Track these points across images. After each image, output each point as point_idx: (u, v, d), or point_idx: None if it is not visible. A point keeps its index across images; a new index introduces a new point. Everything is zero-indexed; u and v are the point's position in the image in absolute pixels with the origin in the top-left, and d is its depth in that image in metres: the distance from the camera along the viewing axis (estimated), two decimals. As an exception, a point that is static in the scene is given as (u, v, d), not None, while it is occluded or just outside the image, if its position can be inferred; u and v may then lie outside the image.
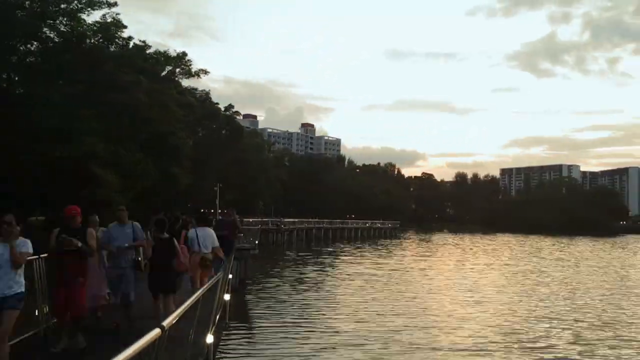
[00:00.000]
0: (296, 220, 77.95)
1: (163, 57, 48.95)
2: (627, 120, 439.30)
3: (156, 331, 4.00)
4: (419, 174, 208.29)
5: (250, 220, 62.21)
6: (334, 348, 15.52)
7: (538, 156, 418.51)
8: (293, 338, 16.65)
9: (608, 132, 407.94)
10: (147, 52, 45.56)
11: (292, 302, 23.58)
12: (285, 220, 73.70)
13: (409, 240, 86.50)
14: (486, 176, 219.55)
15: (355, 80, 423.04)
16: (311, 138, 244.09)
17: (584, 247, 78.74)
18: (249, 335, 17.12)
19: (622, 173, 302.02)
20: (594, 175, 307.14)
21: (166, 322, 4.44)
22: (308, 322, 19.10)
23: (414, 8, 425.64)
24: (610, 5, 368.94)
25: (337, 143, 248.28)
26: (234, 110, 78.50)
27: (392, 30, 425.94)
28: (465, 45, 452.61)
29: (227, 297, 15.29)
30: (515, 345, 16.33)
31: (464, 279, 33.84)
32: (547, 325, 19.41)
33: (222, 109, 74.74)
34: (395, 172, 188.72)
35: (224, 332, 15.50)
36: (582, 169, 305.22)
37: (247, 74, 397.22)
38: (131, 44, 42.00)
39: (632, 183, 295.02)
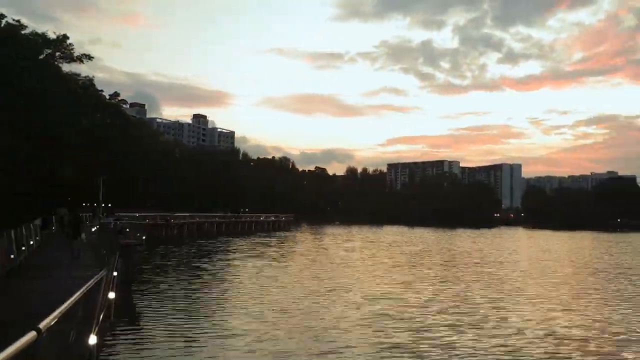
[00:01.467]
0: (187, 214, 75.90)
1: (41, 39, 45.33)
2: (501, 122, 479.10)
3: (32, 334, 3.79)
4: (313, 169, 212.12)
5: (137, 215, 59.71)
6: (223, 348, 15.46)
7: (419, 152, 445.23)
8: (181, 337, 16.29)
9: (484, 131, 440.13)
10: (22, 32, 41.97)
11: (180, 299, 23.04)
12: (176, 214, 71.53)
13: (303, 234, 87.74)
14: (375, 171, 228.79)
15: (249, 75, 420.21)
16: (203, 129, 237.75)
17: (465, 237, 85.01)
18: (136, 335, 16.50)
19: (496, 169, 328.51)
20: (472, 170, 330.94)
21: (43, 324, 4.21)
22: (196, 320, 18.81)
23: (294, 10, 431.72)
24: (476, 15, 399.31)
25: (230, 135, 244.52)
26: (119, 98, 74.70)
27: (277, 30, 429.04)
28: (351, 46, 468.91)
29: (112, 295, 14.65)
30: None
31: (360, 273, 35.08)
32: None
33: (107, 97, 70.83)
34: (290, 166, 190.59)
35: (109, 333, 14.84)
36: (462, 165, 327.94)
37: (135, 65, 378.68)
38: (3, 22, 38.45)
39: (505, 178, 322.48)
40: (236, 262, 39.24)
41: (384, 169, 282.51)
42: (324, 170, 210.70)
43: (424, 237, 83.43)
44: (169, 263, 38.02)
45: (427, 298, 24.69)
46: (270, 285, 27.66)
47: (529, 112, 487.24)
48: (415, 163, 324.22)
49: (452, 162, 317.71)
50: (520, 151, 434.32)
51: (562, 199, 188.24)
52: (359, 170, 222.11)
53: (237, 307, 21.53)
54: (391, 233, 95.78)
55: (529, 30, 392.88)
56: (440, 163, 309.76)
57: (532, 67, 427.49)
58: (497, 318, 20.14)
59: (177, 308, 20.81)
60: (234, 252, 47.55)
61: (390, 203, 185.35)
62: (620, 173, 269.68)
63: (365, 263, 40.64)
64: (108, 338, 14.51)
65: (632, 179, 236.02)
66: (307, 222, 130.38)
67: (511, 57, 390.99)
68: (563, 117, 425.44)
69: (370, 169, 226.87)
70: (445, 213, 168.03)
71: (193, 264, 37.61)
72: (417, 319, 19.56)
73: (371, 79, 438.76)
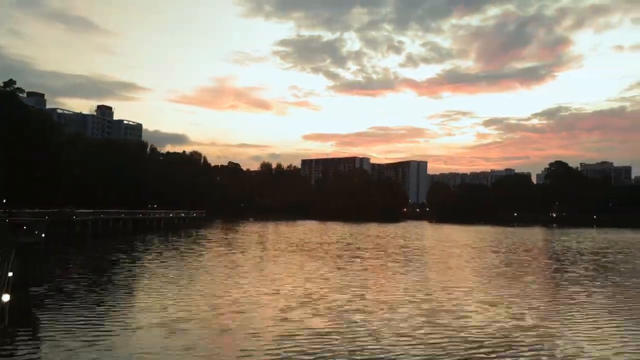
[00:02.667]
0: (92, 210, 72.06)
1: None
2: (406, 122, 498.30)
3: None
4: (226, 164, 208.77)
5: (36, 211, 55.91)
6: (125, 347, 14.95)
7: (331, 149, 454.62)
8: (81, 340, 15.50)
9: (391, 131, 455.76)
10: None
11: (80, 300, 21.89)
12: (79, 210, 67.69)
13: (214, 231, 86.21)
14: (289, 166, 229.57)
15: (158, 68, 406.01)
16: (109, 122, 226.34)
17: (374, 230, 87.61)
18: (32, 340, 15.48)
19: (404, 166, 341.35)
20: (381, 167, 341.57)
21: None
22: (97, 321, 18.00)
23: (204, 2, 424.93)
24: (376, 18, 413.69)
25: (138, 128, 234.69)
26: (15, 87, 69.35)
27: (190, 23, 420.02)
28: (261, 46, 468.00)
29: (5, 298, 13.68)
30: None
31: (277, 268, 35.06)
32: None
33: (1, 85, 65.58)
34: (202, 161, 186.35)
35: (2, 339, 13.85)
36: (372, 161, 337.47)
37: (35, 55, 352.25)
38: None
39: (412, 175, 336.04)
40: (138, 262, 37.86)
41: (298, 164, 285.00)
42: (237, 165, 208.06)
43: (337, 230, 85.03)
44: (69, 262, 36.00)
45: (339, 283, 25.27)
46: (173, 282, 27.04)
47: (433, 113, 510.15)
48: (328, 159, 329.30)
49: (363, 158, 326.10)
50: (426, 150, 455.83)
51: (464, 194, 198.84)
52: (274, 165, 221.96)
53: (137, 305, 20.84)
54: (305, 228, 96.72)
55: (427, 34, 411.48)
56: (352, 160, 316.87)
57: (432, 70, 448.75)
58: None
59: (75, 310, 19.75)
60: (138, 252, 45.83)
61: (305, 198, 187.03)
62: (517, 170, 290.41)
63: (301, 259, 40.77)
64: (2, 344, 13.54)
65: (527, 176, 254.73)
66: (220, 218, 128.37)
67: (412, 60, 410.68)
68: (464, 118, 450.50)
69: (285, 165, 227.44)
70: (357, 208, 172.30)
71: (94, 263, 35.88)
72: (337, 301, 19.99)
73: (283, 77, 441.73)
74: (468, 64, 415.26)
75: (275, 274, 31.72)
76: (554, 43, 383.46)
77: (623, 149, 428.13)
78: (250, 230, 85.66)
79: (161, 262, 36.92)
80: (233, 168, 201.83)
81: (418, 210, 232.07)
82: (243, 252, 46.09)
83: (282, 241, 61.25)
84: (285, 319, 18.88)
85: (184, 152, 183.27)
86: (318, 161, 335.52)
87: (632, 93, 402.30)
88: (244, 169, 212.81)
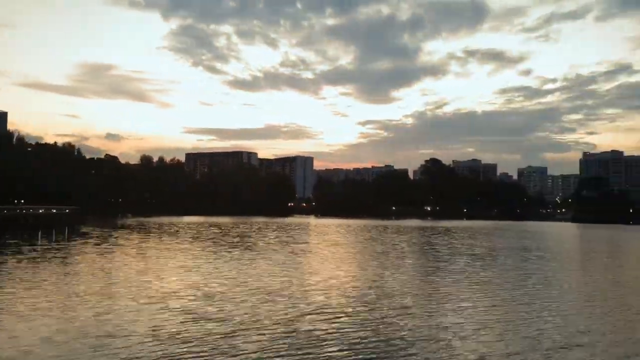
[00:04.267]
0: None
1: None
2: (293, 121, 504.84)
3: None
4: (102, 157, 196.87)
5: None
6: None
7: (217, 143, 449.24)
8: None
9: (278, 127, 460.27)
10: None
11: None
12: None
13: (87, 228, 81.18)
14: (172, 160, 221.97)
15: (16, 52, 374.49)
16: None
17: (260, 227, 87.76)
18: None
19: (291, 161, 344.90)
20: (268, 162, 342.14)
21: None
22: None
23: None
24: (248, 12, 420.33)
25: (3, 117, 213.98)
26: None
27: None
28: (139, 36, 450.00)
29: None
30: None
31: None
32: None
33: None
34: (76, 153, 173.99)
35: None
36: (259, 156, 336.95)
37: None
38: None
39: (298, 170, 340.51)
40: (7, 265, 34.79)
41: (182, 158, 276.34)
42: (115, 158, 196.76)
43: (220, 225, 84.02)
44: None
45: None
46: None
47: (317, 111, 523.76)
48: (214, 153, 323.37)
49: (250, 153, 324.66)
50: (311, 147, 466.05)
51: (347, 190, 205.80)
52: (155, 159, 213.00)
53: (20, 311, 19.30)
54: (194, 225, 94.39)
55: (302, 32, 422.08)
56: (239, 154, 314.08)
57: (314, 69, 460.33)
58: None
59: None
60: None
61: (190, 193, 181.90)
62: (396, 167, 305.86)
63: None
64: None
65: (404, 172, 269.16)
66: (94, 215, 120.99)
67: (292, 59, 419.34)
68: (345, 117, 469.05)
69: (168, 159, 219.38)
70: (244, 202, 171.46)
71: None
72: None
73: (165, 68, 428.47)
74: (348, 64, 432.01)
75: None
76: (417, 49, 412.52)
77: (489, 148, 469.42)
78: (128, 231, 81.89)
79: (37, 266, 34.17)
80: (111, 161, 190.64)
81: (305, 204, 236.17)
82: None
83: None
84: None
85: (55, 143, 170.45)
86: (203, 155, 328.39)
87: (505, 97, 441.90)
88: (123, 162, 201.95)
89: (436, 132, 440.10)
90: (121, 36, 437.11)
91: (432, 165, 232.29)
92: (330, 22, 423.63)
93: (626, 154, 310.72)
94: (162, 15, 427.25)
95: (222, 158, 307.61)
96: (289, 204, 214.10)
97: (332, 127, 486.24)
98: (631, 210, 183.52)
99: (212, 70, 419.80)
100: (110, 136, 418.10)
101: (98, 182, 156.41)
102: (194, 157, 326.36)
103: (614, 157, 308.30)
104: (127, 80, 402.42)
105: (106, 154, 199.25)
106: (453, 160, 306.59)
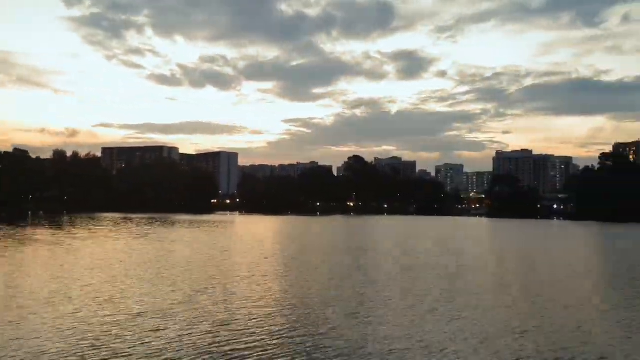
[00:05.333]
0: None
1: None
2: (214, 118, 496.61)
3: None
4: (10, 149, 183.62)
5: None
6: None
7: (137, 137, 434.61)
8: None
9: (203, 122, 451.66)
10: None
11: None
12: None
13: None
14: (87, 155, 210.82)
15: None
16: None
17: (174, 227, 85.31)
18: None
19: (214, 157, 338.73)
20: (191, 157, 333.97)
21: None
22: None
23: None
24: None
25: None
26: None
27: None
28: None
29: None
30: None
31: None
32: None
33: None
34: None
35: None
36: (181, 151, 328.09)
37: None
38: None
39: (223, 166, 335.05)
40: None
41: (98, 153, 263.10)
42: (25, 153, 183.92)
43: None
44: None
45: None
46: None
47: (240, 107, 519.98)
48: (132, 148, 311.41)
49: (171, 148, 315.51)
50: (236, 143, 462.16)
51: (272, 186, 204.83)
52: (69, 153, 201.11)
53: None
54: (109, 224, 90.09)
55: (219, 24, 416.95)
56: (159, 149, 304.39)
57: (234, 66, 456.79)
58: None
59: None
60: None
61: (106, 190, 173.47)
62: (320, 163, 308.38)
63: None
64: None
65: (329, 169, 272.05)
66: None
67: (213, 55, 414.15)
68: (268, 115, 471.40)
69: (83, 153, 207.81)
70: (164, 199, 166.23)
71: None
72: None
73: (76, 59, 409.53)
74: (268, 61, 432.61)
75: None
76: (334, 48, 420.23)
77: (407, 147, 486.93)
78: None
79: None
80: (19, 155, 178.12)
81: (229, 201, 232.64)
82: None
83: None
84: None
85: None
86: (122, 150, 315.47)
87: (420, 97, 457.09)
88: (33, 156, 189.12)
89: (356, 131, 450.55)
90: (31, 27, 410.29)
91: (355, 163, 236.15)
92: (246, 18, 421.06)
93: (535, 152, 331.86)
94: (66, 3, 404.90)
95: (142, 153, 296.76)
96: (213, 201, 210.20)
97: (256, 124, 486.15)
98: (539, 206, 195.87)
99: (128, 64, 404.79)
100: (18, 130, 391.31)
101: (4, 177, 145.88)
102: (111, 152, 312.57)
103: (524, 156, 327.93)
104: (36, 73, 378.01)
105: (14, 148, 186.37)
106: (375, 158, 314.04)
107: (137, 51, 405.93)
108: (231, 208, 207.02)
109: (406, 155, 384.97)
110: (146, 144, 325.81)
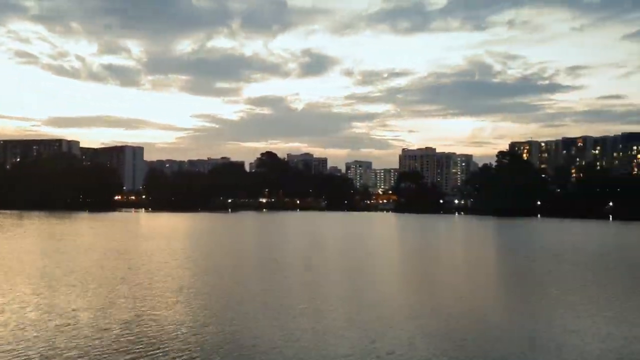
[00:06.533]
0: None
1: None
2: (116, 112, 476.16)
3: None
4: None
5: None
6: None
7: (33, 130, 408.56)
8: None
9: (108, 117, 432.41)
10: None
11: None
12: None
13: None
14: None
15: None
16: None
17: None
18: None
19: (119, 151, 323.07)
20: (93, 152, 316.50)
21: None
22: None
23: None
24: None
25: None
26: None
27: None
28: None
29: None
30: None
31: None
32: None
33: None
34: None
35: None
36: (82, 145, 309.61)
37: None
38: None
39: (128, 161, 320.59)
40: None
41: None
42: None
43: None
44: None
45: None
46: None
47: (145, 102, 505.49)
48: (28, 141, 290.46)
49: (71, 142, 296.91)
50: (143, 138, 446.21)
51: (181, 181, 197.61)
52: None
53: None
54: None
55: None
56: (58, 142, 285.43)
57: (130, 59, 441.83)
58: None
59: None
60: None
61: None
62: (232, 159, 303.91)
63: None
64: None
65: (241, 164, 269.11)
66: None
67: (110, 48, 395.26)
68: (176, 110, 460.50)
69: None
70: (61, 195, 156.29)
71: None
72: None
73: None
74: (176, 55, 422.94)
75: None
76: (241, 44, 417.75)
77: (317, 144, 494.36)
78: None
79: None
80: None
81: (134, 197, 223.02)
82: None
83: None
84: None
85: None
86: (16, 143, 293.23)
87: (326, 95, 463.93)
88: None
89: (265, 127, 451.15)
90: None
91: (268, 159, 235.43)
92: (157, 8, 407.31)
93: (438, 150, 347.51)
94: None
95: (39, 147, 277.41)
96: (116, 197, 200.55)
97: (163, 119, 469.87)
98: (442, 202, 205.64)
99: (23, 55, 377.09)
100: None
101: None
102: (4, 145, 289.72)
103: (428, 154, 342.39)
104: None
105: None
106: (287, 154, 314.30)
107: (27, 40, 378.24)
108: (137, 205, 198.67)
109: (317, 152, 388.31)
110: (44, 136, 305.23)
